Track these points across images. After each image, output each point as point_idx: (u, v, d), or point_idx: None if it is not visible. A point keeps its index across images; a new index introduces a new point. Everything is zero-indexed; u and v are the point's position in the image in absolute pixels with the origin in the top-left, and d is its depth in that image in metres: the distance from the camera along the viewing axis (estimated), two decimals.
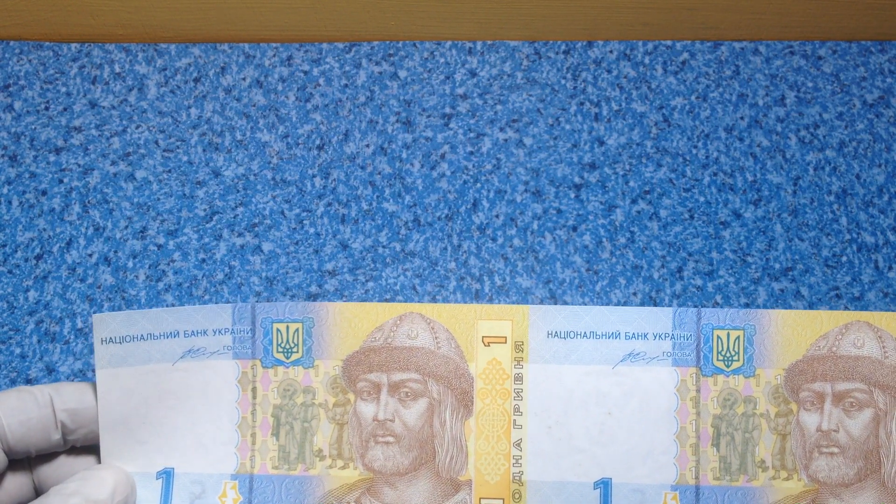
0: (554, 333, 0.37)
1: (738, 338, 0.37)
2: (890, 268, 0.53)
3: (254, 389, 0.37)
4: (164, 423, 0.37)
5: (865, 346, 0.37)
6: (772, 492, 0.37)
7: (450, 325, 0.37)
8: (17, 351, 0.52)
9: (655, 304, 0.52)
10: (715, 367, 0.37)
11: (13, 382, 0.51)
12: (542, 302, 0.52)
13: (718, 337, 0.37)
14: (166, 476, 0.37)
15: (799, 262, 0.53)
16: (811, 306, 0.52)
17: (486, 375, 0.37)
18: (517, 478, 0.37)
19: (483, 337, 0.37)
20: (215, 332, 0.36)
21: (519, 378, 0.37)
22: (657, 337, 0.37)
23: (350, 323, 0.37)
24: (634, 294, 0.52)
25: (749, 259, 0.53)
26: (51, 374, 0.51)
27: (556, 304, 0.52)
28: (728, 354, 0.37)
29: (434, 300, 0.52)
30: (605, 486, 0.37)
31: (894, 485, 0.36)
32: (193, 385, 0.37)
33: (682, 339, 0.37)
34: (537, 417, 0.37)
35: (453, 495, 0.37)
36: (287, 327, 0.37)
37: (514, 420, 0.37)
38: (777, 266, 0.53)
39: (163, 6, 0.55)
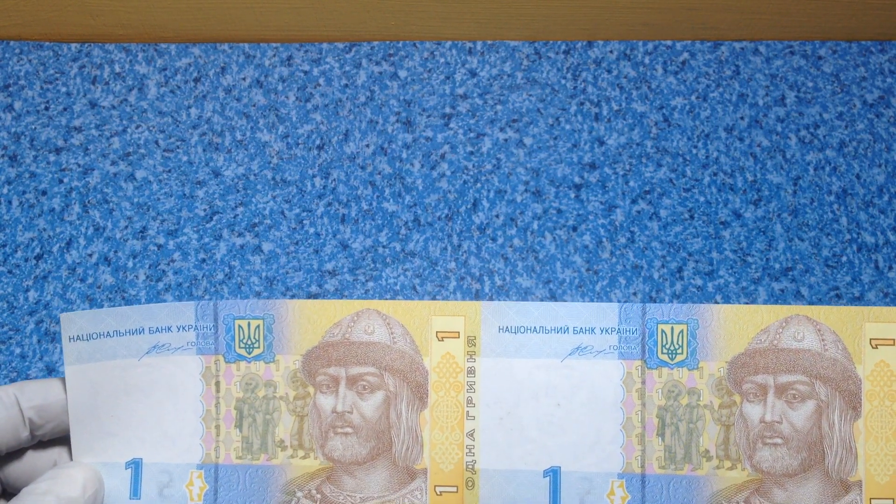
0: (505, 328, 0.38)
1: (681, 332, 0.38)
2: (890, 268, 0.53)
3: (217, 383, 0.38)
4: (132, 416, 0.38)
5: (805, 340, 0.37)
6: (716, 480, 0.38)
7: (405, 321, 0.38)
8: (17, 351, 0.52)
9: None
10: (659, 360, 0.38)
11: (13, 382, 0.51)
12: (541, 301, 0.52)
13: (662, 331, 0.38)
14: (135, 466, 0.38)
15: (799, 262, 0.53)
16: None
17: (440, 369, 0.38)
18: (470, 466, 0.38)
19: (437, 332, 0.38)
20: (179, 329, 0.38)
21: (471, 371, 0.38)
22: (604, 331, 0.38)
23: (309, 319, 0.38)
24: (634, 294, 0.52)
25: (749, 259, 0.53)
26: (51, 374, 0.51)
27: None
28: (672, 348, 0.38)
29: (434, 300, 0.52)
30: (554, 474, 0.38)
31: (838, 475, 0.37)
32: (159, 380, 0.38)
33: (627, 333, 0.38)
34: (489, 409, 0.38)
35: (409, 483, 0.38)
36: (248, 324, 0.38)
37: (467, 411, 0.38)
38: (777, 266, 0.53)
39: (163, 6, 0.55)
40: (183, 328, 0.38)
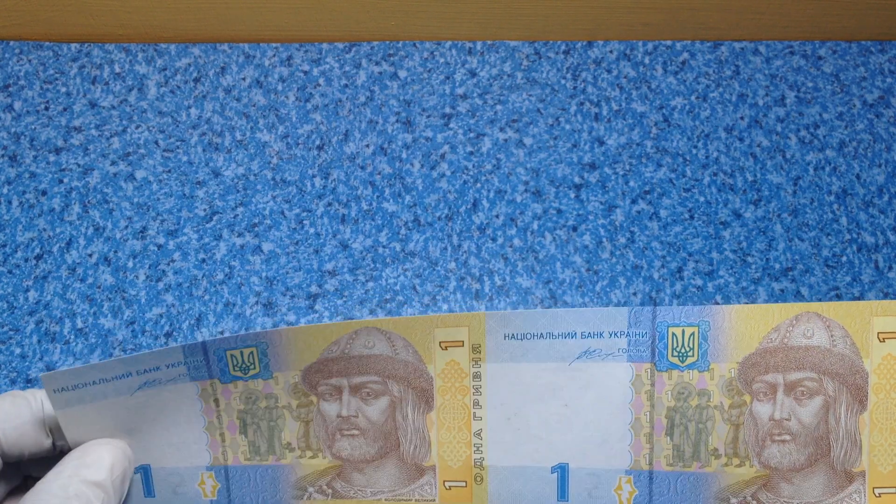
0: (510, 335, 0.38)
1: (692, 334, 0.38)
2: (890, 268, 0.53)
3: (216, 400, 0.38)
4: (133, 435, 0.38)
5: (815, 336, 0.38)
6: (723, 477, 0.38)
7: (406, 335, 0.38)
8: (17, 351, 0.52)
9: (655, 305, 0.52)
10: (670, 362, 0.38)
11: (13, 382, 0.51)
12: (542, 302, 0.52)
13: (673, 334, 0.38)
14: (144, 471, 0.38)
15: (799, 262, 0.53)
16: None
17: (444, 375, 0.38)
18: (478, 463, 0.38)
19: (441, 342, 0.38)
20: (168, 367, 0.37)
21: (477, 376, 0.38)
22: (612, 335, 0.38)
23: (306, 342, 0.38)
24: (634, 294, 0.52)
25: (749, 259, 0.53)
26: None
27: (556, 304, 0.52)
28: (683, 350, 0.38)
29: (434, 300, 0.52)
30: (562, 470, 0.38)
31: (842, 468, 0.38)
32: (149, 413, 0.38)
33: (637, 336, 0.38)
34: (496, 410, 0.38)
35: (419, 478, 0.39)
36: (241, 352, 0.38)
37: (474, 413, 0.38)
38: (777, 266, 0.53)
39: (163, 6, 0.55)
40: (172, 365, 0.38)
